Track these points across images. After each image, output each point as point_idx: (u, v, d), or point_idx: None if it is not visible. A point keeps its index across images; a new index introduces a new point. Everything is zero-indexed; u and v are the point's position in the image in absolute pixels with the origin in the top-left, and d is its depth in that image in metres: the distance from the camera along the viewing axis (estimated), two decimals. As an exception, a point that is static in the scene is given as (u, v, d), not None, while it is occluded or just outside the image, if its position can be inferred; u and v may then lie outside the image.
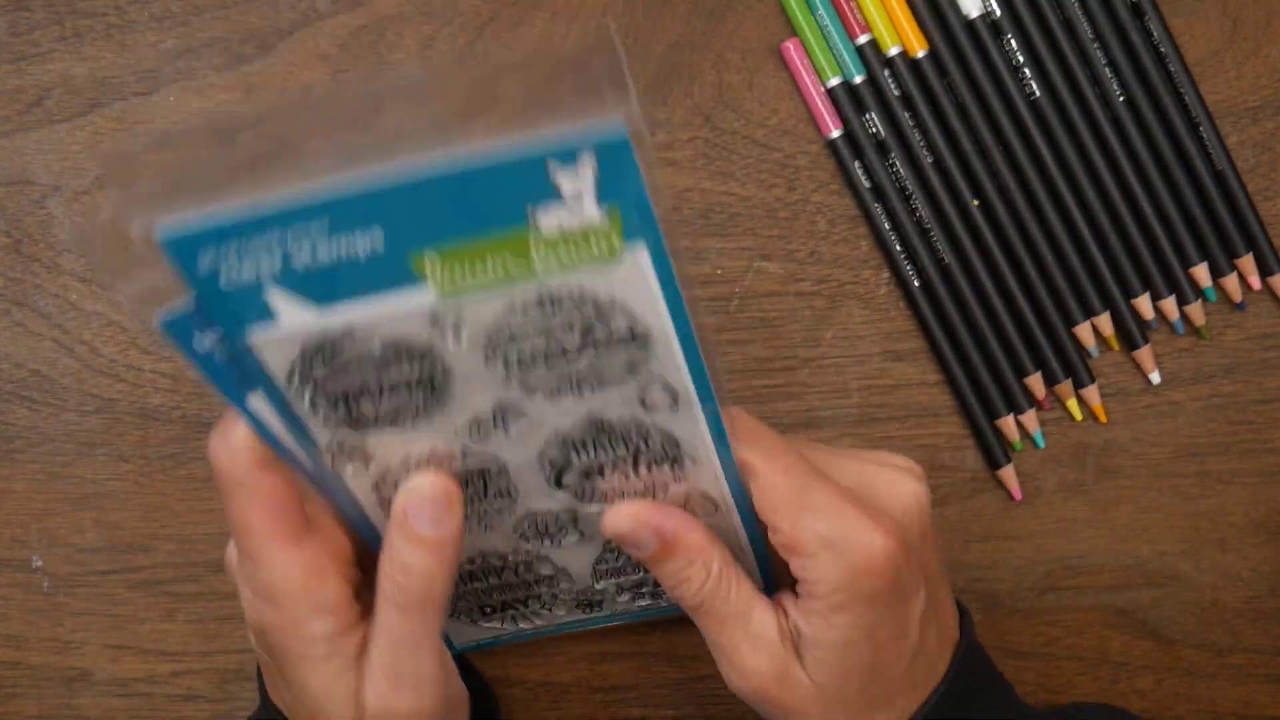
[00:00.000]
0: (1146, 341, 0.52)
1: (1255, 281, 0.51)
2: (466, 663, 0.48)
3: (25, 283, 0.51)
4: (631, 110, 0.33)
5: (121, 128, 0.50)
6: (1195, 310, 0.51)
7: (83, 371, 0.51)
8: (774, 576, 0.45)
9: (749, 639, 0.40)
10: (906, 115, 0.50)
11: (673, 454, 0.40)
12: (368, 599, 0.41)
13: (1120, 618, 0.53)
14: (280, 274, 0.34)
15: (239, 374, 0.36)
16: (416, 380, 0.37)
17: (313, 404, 0.37)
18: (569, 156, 0.33)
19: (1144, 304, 0.51)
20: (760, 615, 0.41)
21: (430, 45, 0.50)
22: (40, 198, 0.50)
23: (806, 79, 0.50)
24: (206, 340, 0.35)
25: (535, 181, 0.33)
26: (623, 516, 0.40)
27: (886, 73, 0.50)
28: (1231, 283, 0.51)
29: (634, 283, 0.35)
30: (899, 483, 0.42)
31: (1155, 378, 0.52)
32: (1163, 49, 0.50)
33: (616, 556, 0.45)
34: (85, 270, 0.50)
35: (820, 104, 0.50)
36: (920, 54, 0.50)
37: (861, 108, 0.50)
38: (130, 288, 0.35)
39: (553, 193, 0.33)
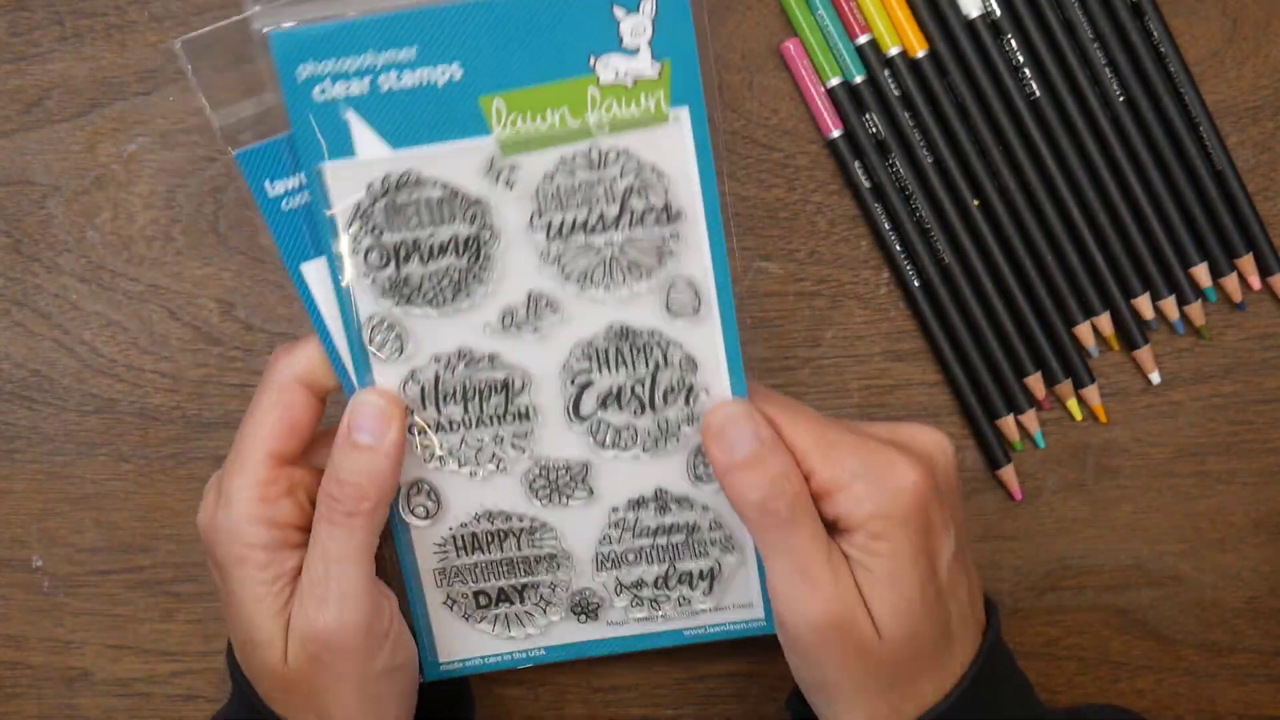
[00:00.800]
0: (1146, 341, 0.52)
1: (1255, 281, 0.51)
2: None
3: (25, 283, 0.51)
4: None
5: (121, 128, 0.50)
6: (1195, 310, 0.51)
7: (83, 371, 0.51)
8: None
9: (832, 567, 0.40)
10: (906, 115, 0.50)
11: (689, 380, 0.42)
12: None
13: (1120, 618, 0.53)
14: (366, 99, 0.39)
15: (298, 234, 0.41)
16: (464, 241, 0.40)
17: (365, 257, 0.40)
18: (633, 1, 0.39)
19: (1144, 304, 0.51)
20: (836, 548, 0.41)
21: None
22: (40, 198, 0.50)
23: (806, 79, 0.50)
24: (276, 186, 0.40)
25: (599, 23, 0.39)
26: (732, 404, 0.41)
27: (886, 73, 0.50)
28: (1231, 283, 0.51)
29: (674, 149, 0.40)
30: (923, 431, 0.43)
31: (1155, 378, 0.52)
32: (1163, 49, 0.50)
33: (620, 536, 0.45)
34: (85, 270, 0.50)
35: (820, 104, 0.50)
36: (920, 54, 0.50)
37: (861, 108, 0.50)
38: (221, 116, 0.40)
39: (614, 40, 0.39)
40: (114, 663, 0.52)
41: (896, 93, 0.50)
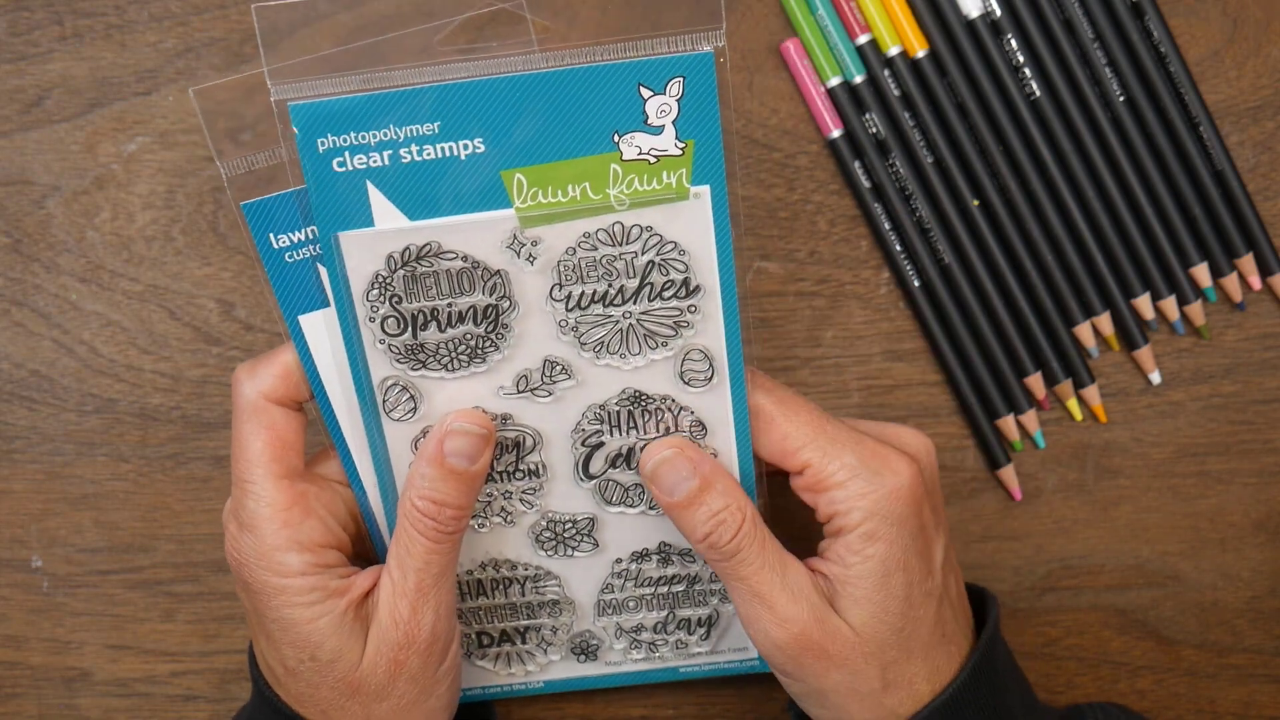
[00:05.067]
0: (1146, 341, 0.52)
1: (1255, 281, 0.51)
2: None
3: (25, 283, 0.51)
4: (720, 47, 0.39)
5: (121, 128, 0.50)
6: (1195, 310, 0.51)
7: (83, 371, 0.51)
8: None
9: (786, 589, 0.41)
10: (906, 115, 0.50)
11: (698, 442, 0.42)
12: (357, 557, 0.43)
13: (1120, 618, 0.53)
14: (386, 170, 0.39)
15: (299, 287, 0.41)
16: (483, 310, 0.40)
17: (383, 325, 0.40)
18: (660, 82, 0.39)
19: (1144, 304, 0.51)
20: (795, 567, 0.41)
21: (429, 47, 0.50)
22: (40, 198, 0.50)
23: (806, 79, 0.50)
24: (280, 240, 0.41)
25: (624, 101, 0.39)
26: (665, 444, 0.42)
27: (886, 73, 0.50)
28: (1231, 283, 0.51)
29: (695, 226, 0.40)
30: (908, 433, 0.44)
31: (1155, 378, 0.52)
32: (1163, 49, 0.50)
33: (622, 585, 0.46)
34: (85, 270, 0.50)
35: (820, 104, 0.50)
36: (920, 54, 0.49)
37: (861, 108, 0.50)
38: (229, 166, 0.41)
39: (639, 120, 0.39)
40: (114, 663, 0.52)
41: (896, 93, 0.50)
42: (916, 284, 0.51)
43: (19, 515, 0.52)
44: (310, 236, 0.41)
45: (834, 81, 0.50)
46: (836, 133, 0.50)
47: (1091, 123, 0.50)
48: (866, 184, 0.50)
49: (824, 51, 0.50)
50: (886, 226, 0.50)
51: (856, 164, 0.50)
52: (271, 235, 0.41)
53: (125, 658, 0.52)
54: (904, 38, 0.49)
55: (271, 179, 0.42)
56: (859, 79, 0.50)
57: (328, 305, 0.41)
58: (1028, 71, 0.49)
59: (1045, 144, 0.50)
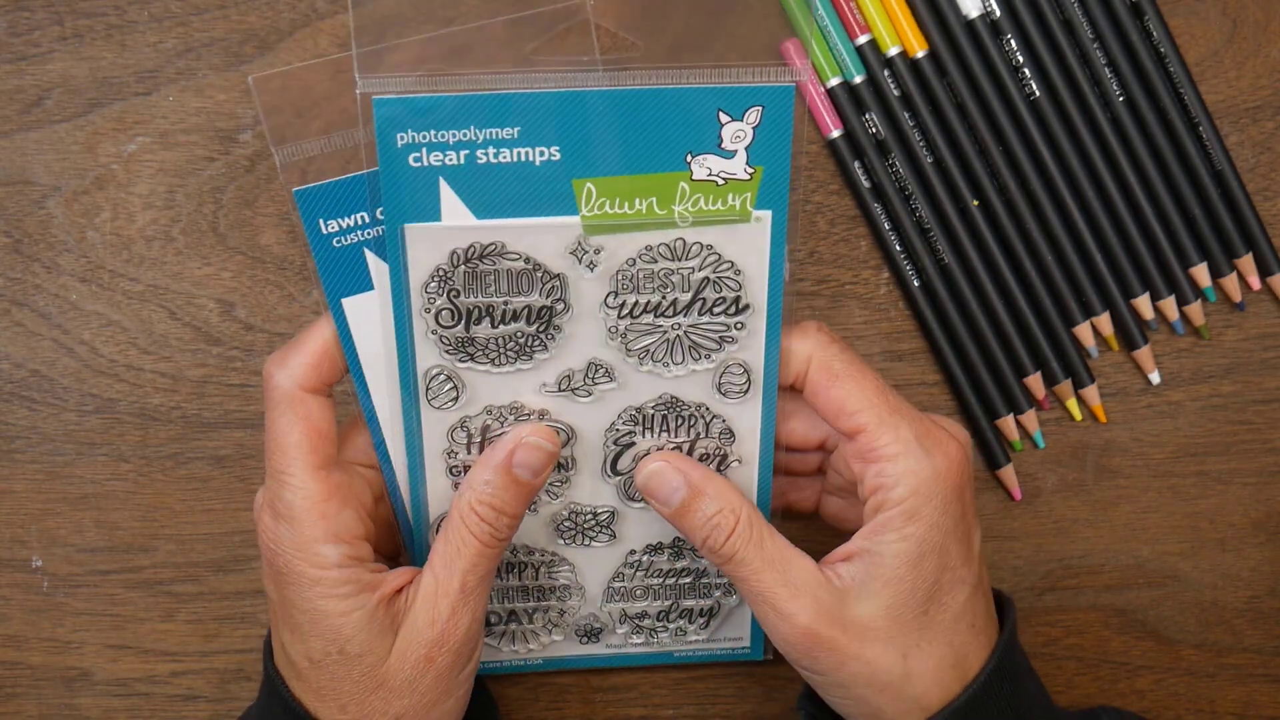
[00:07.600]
0: (1146, 341, 0.52)
1: (1255, 281, 0.51)
2: None
3: (25, 283, 0.51)
4: (800, 81, 0.40)
5: (121, 128, 0.50)
6: (1195, 310, 0.51)
7: (83, 371, 0.51)
8: None
9: (789, 585, 0.41)
10: (906, 115, 0.50)
11: (725, 449, 0.43)
12: (383, 547, 0.44)
13: (1120, 618, 0.53)
14: (460, 169, 0.39)
15: (343, 271, 0.42)
16: (537, 311, 0.41)
17: (437, 317, 0.41)
18: (739, 109, 0.40)
19: (1144, 304, 0.51)
20: (800, 563, 0.41)
21: (431, 48, 0.50)
22: (40, 198, 0.50)
23: (806, 79, 0.50)
24: (329, 225, 0.41)
25: (702, 124, 0.40)
26: (655, 460, 0.43)
27: (886, 73, 0.50)
28: (1231, 283, 0.51)
29: (754, 248, 0.41)
30: (949, 422, 0.44)
31: (1155, 378, 0.52)
32: (1163, 49, 0.50)
33: (632, 575, 0.46)
34: (85, 270, 0.50)
35: (820, 104, 0.50)
36: (920, 54, 0.50)
37: (861, 108, 0.50)
38: (285, 153, 0.42)
39: (714, 143, 0.40)
40: (114, 663, 0.52)
41: (896, 93, 0.50)
42: (916, 284, 0.51)
43: (19, 515, 0.52)
44: (359, 223, 0.42)
45: (834, 81, 0.50)
46: (836, 133, 0.50)
47: (1091, 123, 0.50)
48: (866, 184, 0.50)
49: (824, 51, 0.50)
50: (886, 226, 0.51)
51: (856, 164, 0.50)
52: (321, 220, 0.42)
53: (125, 658, 0.52)
54: (904, 38, 0.49)
55: (312, 168, 0.43)
56: (859, 79, 0.50)
57: (370, 289, 0.42)
58: (1027, 72, 0.49)
59: (1045, 144, 0.50)
